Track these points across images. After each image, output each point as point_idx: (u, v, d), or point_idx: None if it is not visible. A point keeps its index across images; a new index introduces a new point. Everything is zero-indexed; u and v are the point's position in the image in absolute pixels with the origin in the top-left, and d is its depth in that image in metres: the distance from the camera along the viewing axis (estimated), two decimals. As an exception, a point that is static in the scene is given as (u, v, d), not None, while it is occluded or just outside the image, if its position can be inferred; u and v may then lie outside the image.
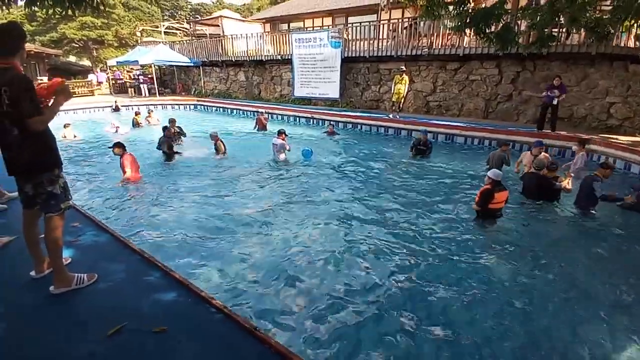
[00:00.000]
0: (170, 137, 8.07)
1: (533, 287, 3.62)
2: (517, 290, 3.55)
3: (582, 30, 6.72)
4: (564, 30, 9.83)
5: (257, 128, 12.07)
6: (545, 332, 2.99)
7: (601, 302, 3.40)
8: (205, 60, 19.84)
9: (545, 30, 6.05)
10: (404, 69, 11.50)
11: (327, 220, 5.03)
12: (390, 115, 11.79)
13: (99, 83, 21.08)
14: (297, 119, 14.27)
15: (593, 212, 5.30)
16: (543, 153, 6.51)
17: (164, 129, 8.14)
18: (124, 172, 6.38)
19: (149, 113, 13.59)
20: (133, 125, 12.57)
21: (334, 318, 3.03)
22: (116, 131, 11.48)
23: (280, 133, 8.15)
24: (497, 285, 3.61)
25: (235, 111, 16.95)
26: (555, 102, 8.77)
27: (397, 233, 4.67)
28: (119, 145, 6.41)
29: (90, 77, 22.71)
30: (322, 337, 2.82)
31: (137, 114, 13.24)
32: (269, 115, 14.00)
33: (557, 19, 5.74)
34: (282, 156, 8.10)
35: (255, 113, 15.03)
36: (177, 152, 8.13)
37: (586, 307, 3.33)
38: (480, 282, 3.63)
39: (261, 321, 2.93)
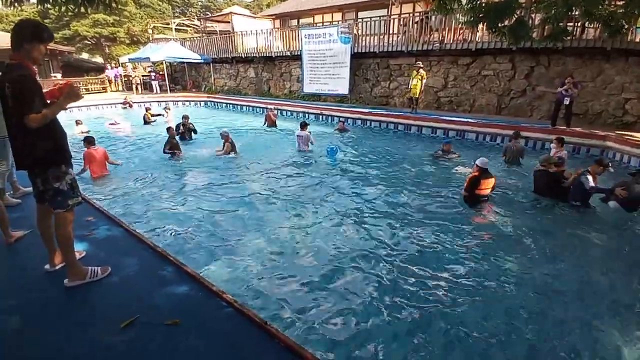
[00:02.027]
0: (173, 137, 8.07)
1: (543, 283, 3.57)
2: (527, 286, 3.50)
3: (597, 24, 6.58)
4: (579, 24, 9.62)
5: (266, 124, 12.10)
6: (558, 329, 2.95)
7: (613, 300, 3.35)
8: (216, 57, 19.92)
9: (561, 24, 5.93)
10: (421, 64, 11.37)
11: (339, 216, 5.03)
12: (414, 112, 11.68)
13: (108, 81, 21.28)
14: (307, 115, 14.24)
15: (577, 204, 5.28)
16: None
17: (168, 129, 8.17)
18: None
19: (166, 111, 13.44)
20: (145, 122, 12.67)
21: (344, 313, 3.04)
22: (117, 125, 11.67)
23: (305, 125, 8.62)
24: (507, 281, 3.57)
25: (245, 107, 17.01)
26: (567, 101, 8.61)
27: (409, 228, 4.65)
28: (84, 140, 6.79)
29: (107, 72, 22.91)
30: (331, 331, 2.83)
31: (147, 109, 13.32)
32: (278, 111, 14.01)
33: (571, 12, 5.61)
34: (306, 147, 8.54)
35: (265, 109, 15.09)
36: (174, 152, 8.07)
37: (598, 305, 3.28)
38: (491, 278, 3.59)
39: (271, 315, 2.94)
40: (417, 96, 11.47)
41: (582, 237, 4.63)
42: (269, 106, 13.45)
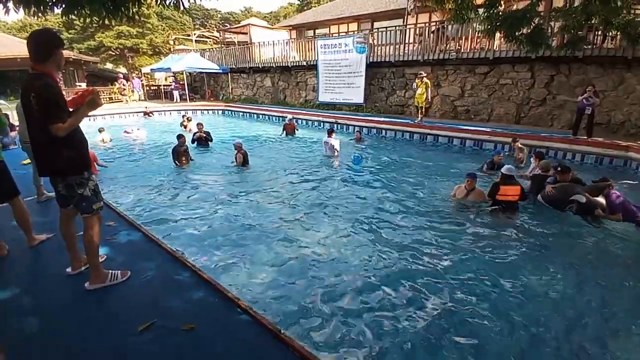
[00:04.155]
0: (182, 145, 8.08)
1: (559, 295, 3.46)
2: (545, 297, 3.40)
3: (616, 32, 6.48)
4: (599, 33, 9.45)
5: (284, 133, 12.10)
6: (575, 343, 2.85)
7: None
8: (234, 67, 20.36)
9: (580, 32, 5.85)
10: (424, 74, 11.37)
11: (358, 227, 4.98)
12: (416, 121, 11.67)
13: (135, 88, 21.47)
14: (321, 123, 14.33)
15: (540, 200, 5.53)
16: None
17: (179, 137, 8.20)
18: None
19: (187, 119, 13.49)
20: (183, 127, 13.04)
21: (359, 324, 3.00)
22: (132, 133, 12.03)
23: (332, 132, 9.04)
24: (527, 293, 3.47)
25: (261, 116, 17.26)
26: (588, 111, 8.43)
27: (428, 240, 4.59)
28: None
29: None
30: (345, 342, 2.80)
31: (184, 116, 13.60)
32: (294, 119, 14.11)
33: (590, 21, 5.54)
34: (333, 154, 8.76)
35: (280, 118, 15.28)
36: (182, 161, 8.12)
37: (618, 320, 3.15)
38: (506, 289, 3.51)
39: (286, 324, 2.93)
40: (422, 105, 11.42)
41: (591, 246, 4.49)
42: (288, 116, 13.53)
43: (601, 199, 4.96)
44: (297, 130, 12.40)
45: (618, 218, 4.81)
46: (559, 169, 5.50)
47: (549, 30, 8.81)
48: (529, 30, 5.82)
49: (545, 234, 4.79)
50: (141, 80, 23.45)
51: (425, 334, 2.91)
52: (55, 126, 2.33)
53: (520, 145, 7.97)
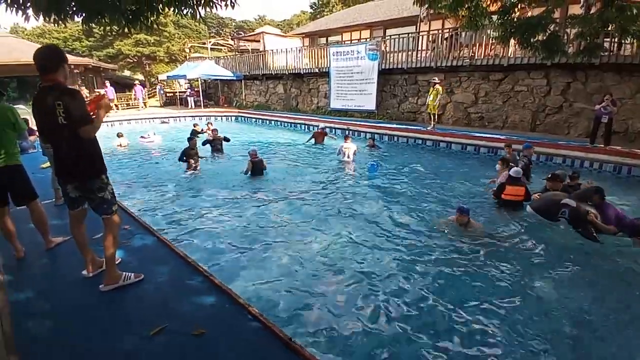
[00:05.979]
0: (193, 147, 8.17)
1: (577, 309, 3.37)
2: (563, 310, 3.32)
3: (633, 39, 6.34)
4: (616, 40, 9.27)
5: (312, 141, 11.74)
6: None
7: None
8: (247, 74, 20.65)
9: (596, 39, 5.75)
10: (437, 80, 11.30)
11: (371, 234, 4.95)
12: (428, 128, 11.60)
13: (110, 99, 21.12)
14: (333, 130, 14.32)
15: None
16: None
17: (189, 139, 8.31)
18: None
19: (207, 125, 13.39)
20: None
21: (371, 333, 2.97)
22: (148, 138, 12.25)
23: (348, 137, 9.31)
24: (543, 306, 3.39)
25: (273, 122, 17.40)
26: (605, 119, 8.26)
27: (442, 248, 4.53)
28: None
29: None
30: (356, 351, 2.78)
31: (209, 123, 13.52)
32: (306, 126, 14.12)
33: (606, 28, 5.45)
34: (349, 159, 8.88)
35: (292, 124, 15.38)
36: (190, 162, 8.14)
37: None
38: (514, 298, 3.43)
39: (296, 332, 2.92)
40: (434, 112, 11.32)
41: (594, 260, 4.34)
42: (321, 124, 13.31)
43: (593, 210, 4.74)
44: (327, 136, 12.13)
45: (612, 230, 4.61)
46: (550, 175, 5.69)
47: (565, 37, 8.68)
48: (544, 37, 5.76)
49: (544, 249, 4.60)
50: (163, 88, 23.91)
51: (437, 346, 2.87)
52: (84, 128, 2.47)
53: (512, 152, 7.81)
